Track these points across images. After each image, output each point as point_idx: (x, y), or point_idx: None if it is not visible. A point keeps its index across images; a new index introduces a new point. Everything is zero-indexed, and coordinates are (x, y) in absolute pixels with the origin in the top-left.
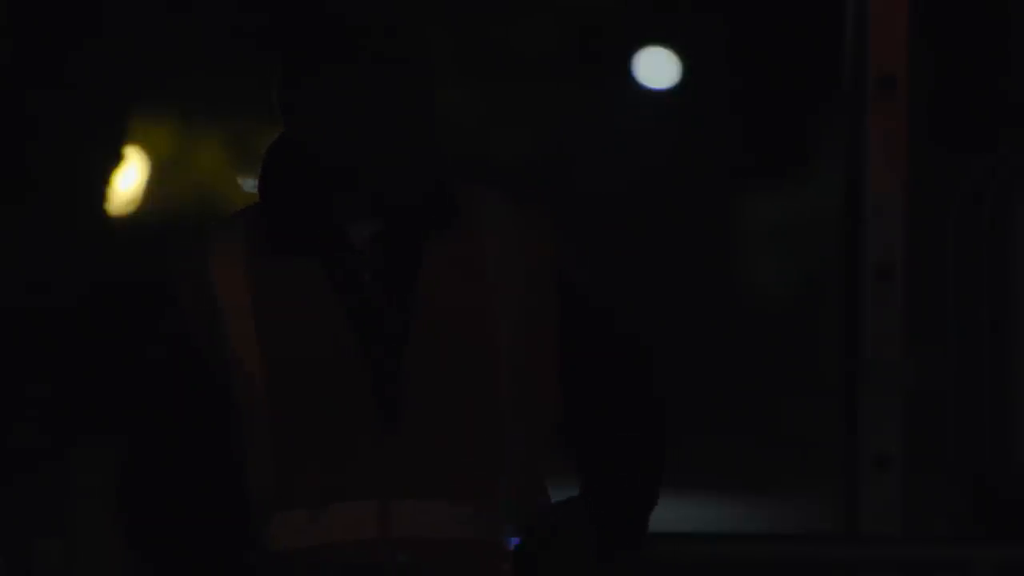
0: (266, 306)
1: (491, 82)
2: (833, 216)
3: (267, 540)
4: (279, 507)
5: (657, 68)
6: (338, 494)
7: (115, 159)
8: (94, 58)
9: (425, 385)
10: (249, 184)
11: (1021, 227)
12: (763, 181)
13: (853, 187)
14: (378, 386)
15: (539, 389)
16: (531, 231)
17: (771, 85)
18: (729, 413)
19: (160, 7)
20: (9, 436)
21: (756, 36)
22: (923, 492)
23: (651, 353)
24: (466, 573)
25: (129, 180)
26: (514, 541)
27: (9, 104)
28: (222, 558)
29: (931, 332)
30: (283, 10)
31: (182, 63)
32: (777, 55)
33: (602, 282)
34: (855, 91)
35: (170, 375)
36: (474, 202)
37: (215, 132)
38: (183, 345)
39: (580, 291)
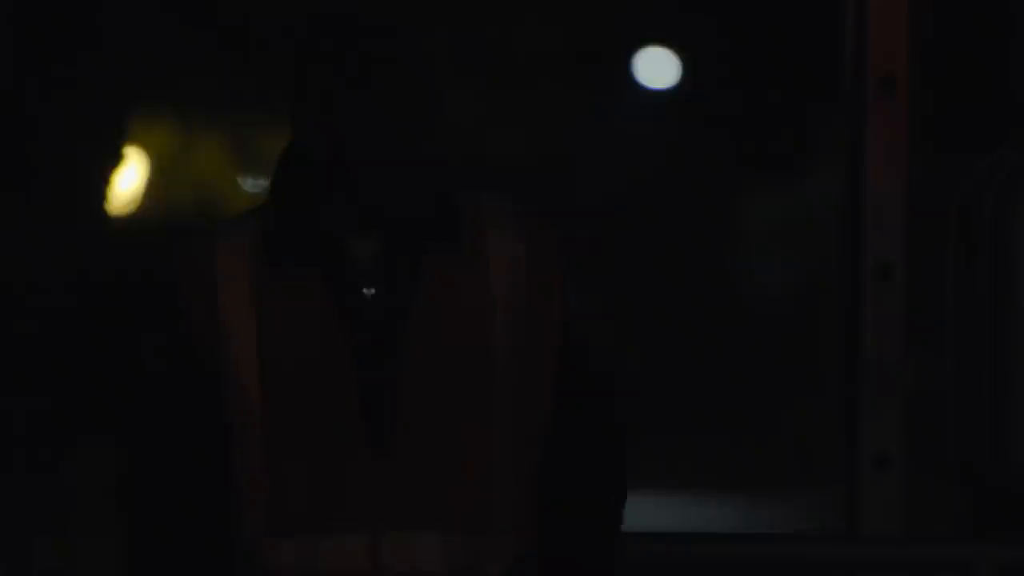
0: (268, 324)
1: (489, 82)
2: (833, 216)
3: (259, 566)
4: (271, 533)
5: (657, 68)
6: (330, 524)
7: (115, 159)
8: (94, 58)
9: (418, 411)
10: (249, 184)
11: (1021, 227)
12: (763, 181)
13: (853, 187)
14: (368, 411)
15: (532, 421)
16: (541, 260)
17: (771, 85)
18: (729, 413)
19: (160, 7)
20: (9, 436)
21: (756, 36)
22: (923, 492)
23: (622, 425)
24: None
25: (129, 180)
26: None
27: (9, 104)
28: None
29: (931, 332)
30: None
31: (182, 63)
32: (777, 55)
33: (598, 326)
34: (855, 91)
35: (171, 389)
36: (482, 218)
37: (215, 132)
38: (185, 360)
39: (578, 329)
